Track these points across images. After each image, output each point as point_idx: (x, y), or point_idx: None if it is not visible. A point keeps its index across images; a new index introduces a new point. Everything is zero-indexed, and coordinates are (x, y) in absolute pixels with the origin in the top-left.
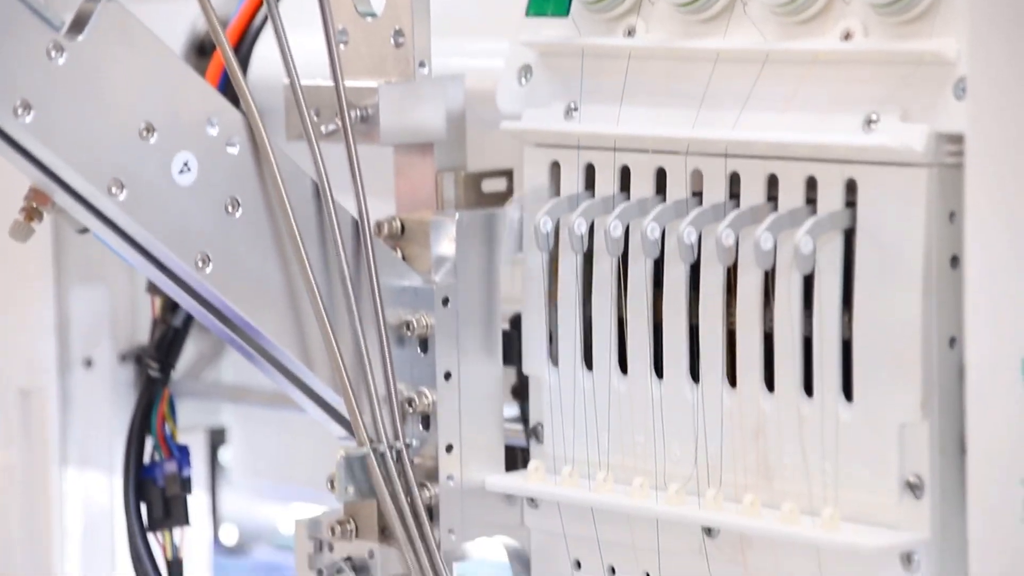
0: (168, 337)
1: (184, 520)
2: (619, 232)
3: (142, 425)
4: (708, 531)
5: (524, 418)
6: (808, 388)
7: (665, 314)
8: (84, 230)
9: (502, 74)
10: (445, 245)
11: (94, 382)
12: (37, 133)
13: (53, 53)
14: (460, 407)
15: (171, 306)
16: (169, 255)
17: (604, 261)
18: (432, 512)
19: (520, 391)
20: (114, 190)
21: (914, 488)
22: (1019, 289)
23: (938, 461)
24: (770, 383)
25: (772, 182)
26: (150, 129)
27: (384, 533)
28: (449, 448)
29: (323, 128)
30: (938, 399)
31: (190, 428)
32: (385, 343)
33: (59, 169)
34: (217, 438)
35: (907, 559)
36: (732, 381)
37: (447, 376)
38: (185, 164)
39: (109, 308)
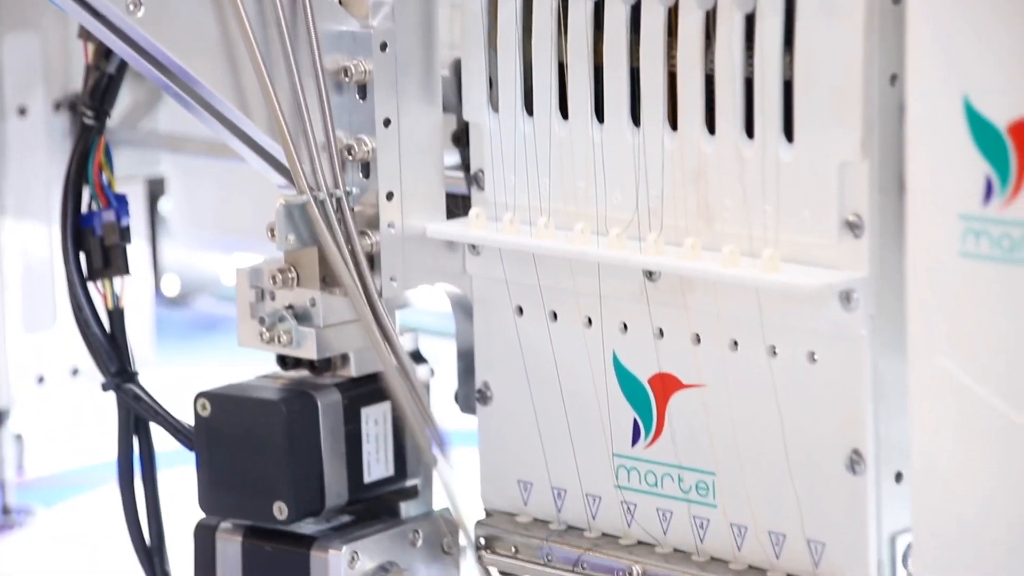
0: (102, 84)
1: (124, 270)
2: None
3: (78, 174)
4: (649, 275)
5: (465, 165)
6: (749, 130)
7: (606, 57)
8: None
9: None
10: None
11: (28, 130)
12: None
13: None
14: (400, 154)
15: (105, 52)
16: None
17: (544, 2)
18: (373, 260)
19: (460, 138)
20: None
21: (853, 227)
22: (962, 25)
23: (877, 200)
24: (711, 125)
25: None
26: None
27: (325, 281)
28: (389, 196)
29: None
30: (878, 138)
31: (128, 178)
32: (323, 89)
33: None
34: (156, 188)
35: (846, 297)
36: (673, 124)
37: (386, 123)
38: None
39: (41, 55)
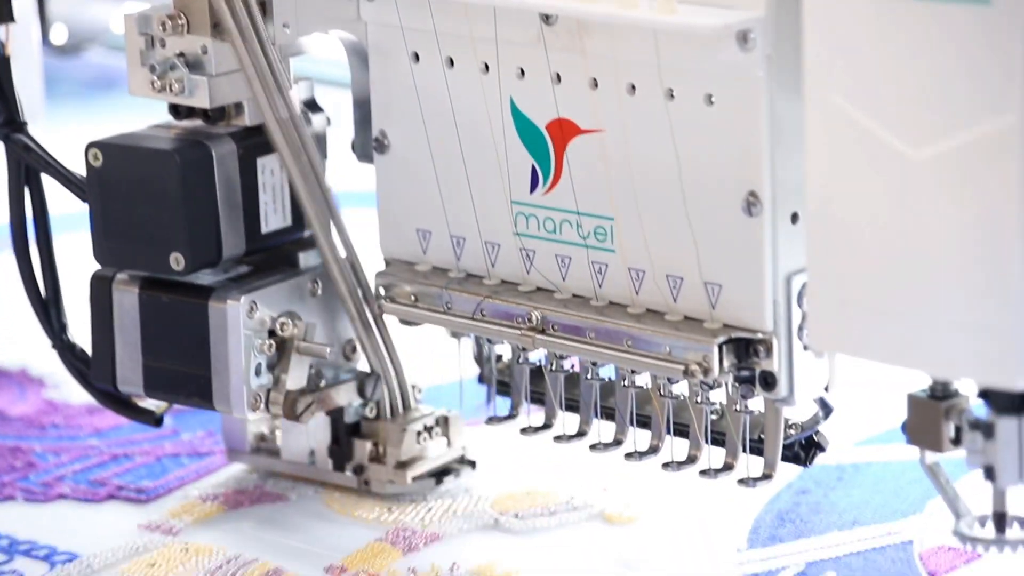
0: None
1: (8, 16)
2: None
3: None
4: (546, 19)
5: None
6: None
7: None
8: None
9: None
10: None
11: None
12: None
13: None
14: None
15: None
16: None
17: None
18: (265, 6)
19: None
20: None
21: None
22: None
23: None
24: None
25: None
26: None
27: (217, 28)
28: None
29: None
30: None
31: None
32: None
33: None
34: None
35: (743, 38)
36: None
37: None
38: None
39: None
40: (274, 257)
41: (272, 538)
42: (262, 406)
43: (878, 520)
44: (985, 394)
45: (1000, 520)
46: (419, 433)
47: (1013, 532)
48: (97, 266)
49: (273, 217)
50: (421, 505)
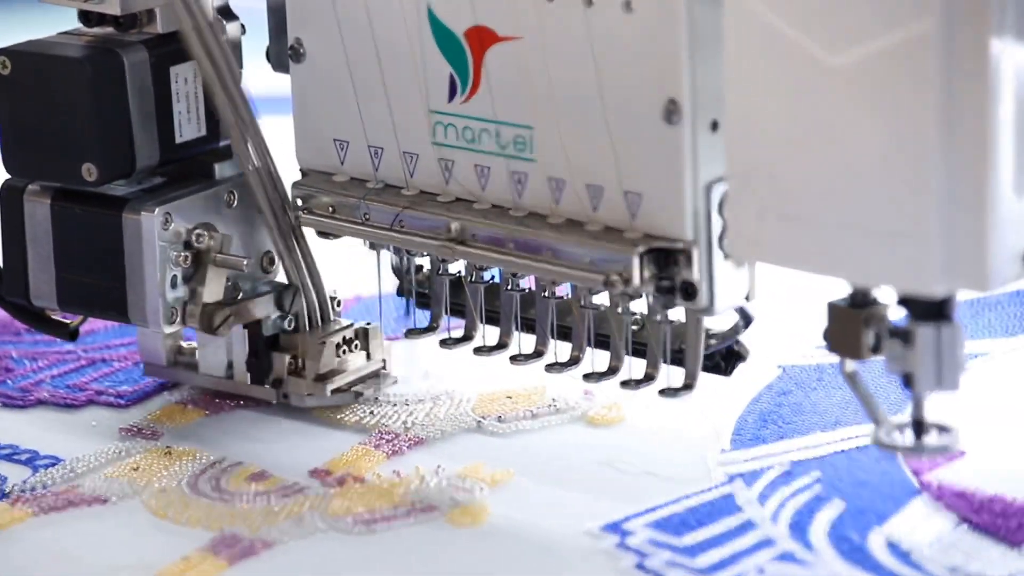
0: None
1: None
2: None
3: None
4: None
5: None
6: None
7: None
8: None
9: None
10: None
11: None
12: None
13: None
14: None
15: None
16: None
17: None
18: None
19: None
20: None
21: None
22: None
23: None
24: None
25: None
26: None
27: None
28: None
29: None
30: None
31: None
32: None
33: None
34: None
35: None
36: None
37: None
38: None
39: None
40: (189, 168)
41: (255, 442)
42: (178, 319)
43: (860, 421)
44: (904, 302)
45: (918, 427)
46: (338, 346)
47: (931, 439)
48: (7, 176)
49: (188, 127)
50: (402, 409)
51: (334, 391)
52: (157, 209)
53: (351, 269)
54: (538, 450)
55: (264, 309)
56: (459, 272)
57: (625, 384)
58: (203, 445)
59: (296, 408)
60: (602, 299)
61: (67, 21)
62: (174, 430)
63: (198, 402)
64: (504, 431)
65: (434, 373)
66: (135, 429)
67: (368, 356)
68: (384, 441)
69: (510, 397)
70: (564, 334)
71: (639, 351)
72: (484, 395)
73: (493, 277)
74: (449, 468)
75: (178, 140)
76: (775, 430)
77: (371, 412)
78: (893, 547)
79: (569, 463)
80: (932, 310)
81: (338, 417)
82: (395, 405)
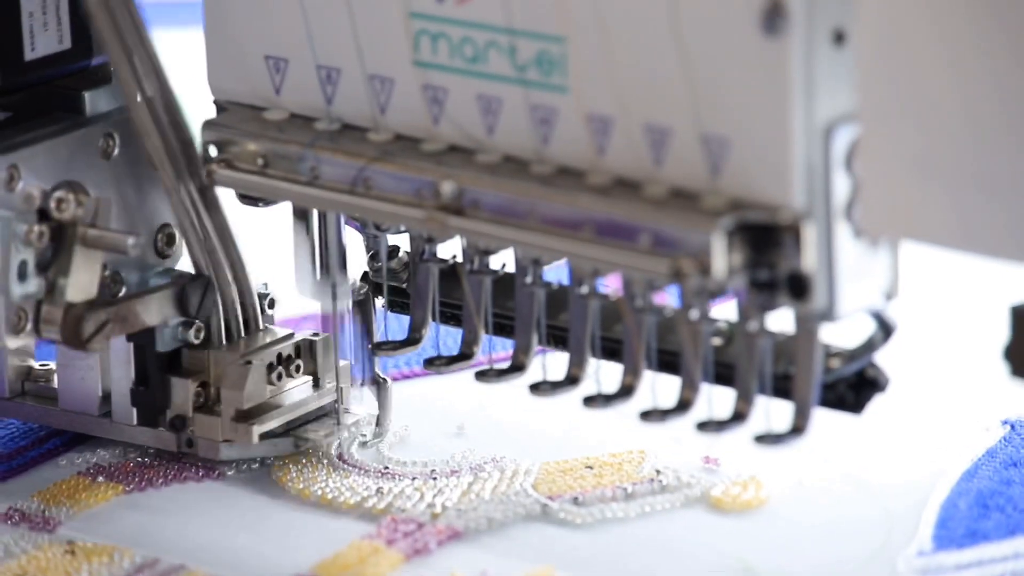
0: None
1: None
2: None
3: None
4: None
5: None
6: None
7: None
8: None
9: None
10: None
11: None
12: None
13: None
14: None
15: None
16: None
17: None
18: None
19: None
20: None
21: None
22: None
23: None
24: None
25: None
26: None
27: None
28: None
29: None
30: None
31: None
32: None
33: None
34: None
35: None
36: None
37: None
38: None
39: None
40: (46, 98)
41: (200, 534)
42: (28, 326)
43: None
44: None
45: None
46: (271, 367)
47: None
48: None
49: (43, 37)
50: (427, 484)
51: (263, 436)
52: None
53: (291, 251)
54: (635, 549)
55: (159, 312)
56: (453, 257)
57: (703, 426)
58: (123, 539)
59: (257, 478)
60: (668, 299)
61: None
62: (78, 516)
63: (113, 471)
64: (584, 520)
65: (472, 427)
66: (17, 514)
67: (316, 383)
68: (400, 535)
69: (590, 467)
70: (612, 351)
71: (724, 376)
72: (551, 464)
73: (504, 265)
74: None
75: (28, 55)
76: (1002, 520)
77: (378, 489)
78: None
79: (683, 568)
80: None
81: (328, 497)
82: (415, 479)
